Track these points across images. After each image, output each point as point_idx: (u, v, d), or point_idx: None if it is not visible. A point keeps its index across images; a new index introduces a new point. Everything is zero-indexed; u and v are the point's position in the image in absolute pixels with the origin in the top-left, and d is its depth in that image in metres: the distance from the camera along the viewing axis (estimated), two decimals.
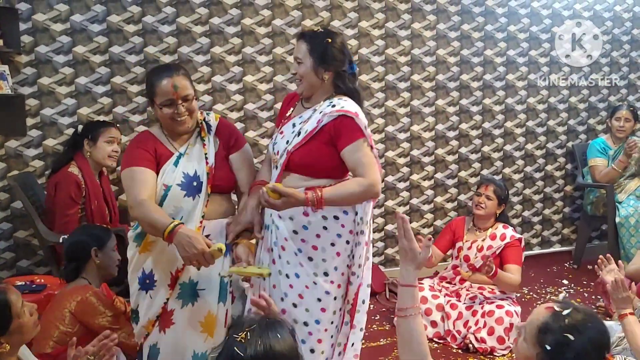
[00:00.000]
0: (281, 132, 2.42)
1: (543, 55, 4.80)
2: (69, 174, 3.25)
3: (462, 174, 4.69)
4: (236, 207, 2.54)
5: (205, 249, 2.14)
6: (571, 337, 1.64)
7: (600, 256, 2.69)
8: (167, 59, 3.81)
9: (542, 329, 1.69)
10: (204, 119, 2.51)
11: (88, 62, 3.68)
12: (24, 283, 3.03)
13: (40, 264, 3.64)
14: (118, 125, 3.57)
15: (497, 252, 3.58)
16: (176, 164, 2.37)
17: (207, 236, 2.29)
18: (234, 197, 2.60)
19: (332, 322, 2.38)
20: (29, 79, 3.57)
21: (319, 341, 2.35)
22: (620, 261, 2.70)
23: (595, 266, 2.70)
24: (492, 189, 3.64)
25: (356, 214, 2.36)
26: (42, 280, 3.10)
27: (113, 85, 3.74)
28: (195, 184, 2.37)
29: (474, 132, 4.67)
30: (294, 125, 2.39)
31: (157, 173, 2.37)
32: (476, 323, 3.39)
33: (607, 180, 4.48)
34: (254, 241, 2.44)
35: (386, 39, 4.31)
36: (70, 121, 3.64)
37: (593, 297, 4.07)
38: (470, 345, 3.35)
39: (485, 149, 4.73)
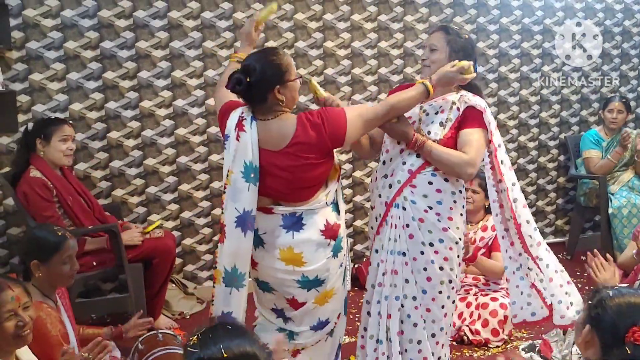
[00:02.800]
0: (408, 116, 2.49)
1: (535, 47, 4.80)
2: (31, 179, 3.13)
3: None
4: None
5: None
6: (610, 294, 1.74)
7: (588, 253, 2.61)
8: (158, 53, 3.80)
9: (594, 291, 1.80)
10: None
11: (79, 58, 3.66)
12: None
13: None
14: (71, 122, 3.45)
15: (489, 243, 3.60)
16: None
17: None
18: None
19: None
20: (20, 75, 3.55)
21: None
22: (607, 254, 2.66)
23: (585, 265, 2.65)
24: (477, 183, 3.65)
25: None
26: None
27: (105, 80, 3.73)
28: None
29: None
30: (424, 111, 2.51)
31: None
32: (470, 315, 3.41)
33: (603, 172, 4.49)
34: None
35: (379, 31, 4.31)
36: (62, 117, 3.62)
37: (586, 287, 4.09)
38: (465, 337, 3.37)
39: None
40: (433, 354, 2.49)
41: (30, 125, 3.39)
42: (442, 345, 2.53)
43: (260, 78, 2.20)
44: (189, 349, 1.42)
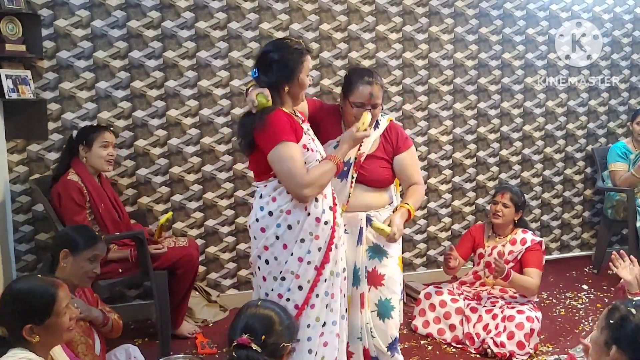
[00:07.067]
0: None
1: (561, 58, 4.76)
2: (68, 181, 3.21)
3: (480, 177, 4.67)
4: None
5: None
6: (634, 312, 1.77)
7: (614, 252, 2.63)
8: (185, 63, 3.85)
9: (612, 309, 1.85)
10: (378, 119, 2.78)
11: (108, 67, 3.72)
12: None
13: None
14: (112, 129, 3.49)
15: (518, 257, 3.56)
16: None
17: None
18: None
19: None
20: (51, 83, 3.63)
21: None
22: (631, 256, 2.64)
23: (610, 263, 2.65)
24: (508, 197, 3.62)
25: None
26: None
27: (132, 89, 3.78)
28: (345, 168, 2.63)
29: (492, 136, 4.65)
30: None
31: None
32: (496, 327, 3.37)
33: (627, 185, 4.43)
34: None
35: (404, 42, 4.31)
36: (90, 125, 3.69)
37: (613, 302, 4.02)
38: (489, 350, 3.33)
39: (504, 152, 4.70)
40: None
41: (75, 132, 3.48)
42: None
43: None
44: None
